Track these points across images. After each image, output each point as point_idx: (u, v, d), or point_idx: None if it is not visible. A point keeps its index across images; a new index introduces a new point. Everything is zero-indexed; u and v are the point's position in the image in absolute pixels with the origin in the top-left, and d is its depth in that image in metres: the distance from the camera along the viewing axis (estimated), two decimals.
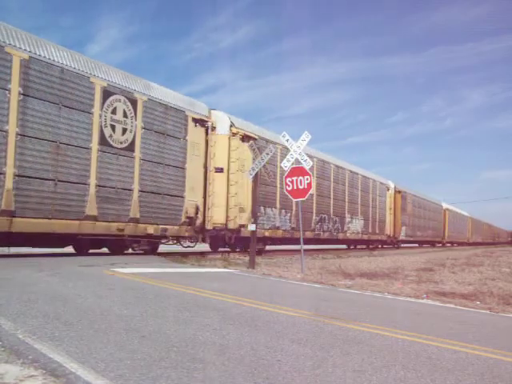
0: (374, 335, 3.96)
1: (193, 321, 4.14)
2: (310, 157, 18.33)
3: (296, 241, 19.56)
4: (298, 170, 10.19)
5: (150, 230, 12.41)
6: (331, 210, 22.67)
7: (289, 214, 18.72)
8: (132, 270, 8.40)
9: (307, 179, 10.01)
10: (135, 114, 12.03)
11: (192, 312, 4.55)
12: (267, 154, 10.71)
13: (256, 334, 3.79)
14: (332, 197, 22.63)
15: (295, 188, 10.16)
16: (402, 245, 34.87)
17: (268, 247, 18.61)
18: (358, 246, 28.74)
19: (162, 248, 14.23)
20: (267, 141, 17.11)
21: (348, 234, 24.76)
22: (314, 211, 20.86)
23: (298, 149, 10.28)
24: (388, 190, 31.02)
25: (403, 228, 33.28)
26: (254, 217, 11.01)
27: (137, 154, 12.10)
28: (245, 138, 15.68)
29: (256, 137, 16.31)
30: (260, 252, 16.12)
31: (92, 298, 5.08)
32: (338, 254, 20.25)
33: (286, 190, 10.41)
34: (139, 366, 2.74)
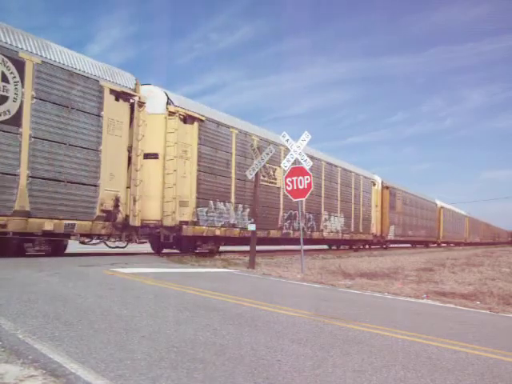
0: (374, 335, 3.96)
1: (193, 321, 4.14)
2: (276, 144, 16.28)
3: (257, 241, 17.65)
4: (297, 170, 10.19)
5: (48, 225, 9.92)
6: (304, 205, 19.52)
7: (247, 210, 15.83)
8: (132, 270, 8.41)
9: (307, 179, 10.02)
10: (22, 79, 9.49)
11: (192, 312, 4.56)
12: (267, 153, 10.72)
13: (256, 334, 3.79)
14: None
15: (295, 188, 10.16)
16: (392, 245, 32.08)
17: (223, 248, 16.11)
18: (342, 247, 25.82)
19: (74, 248, 12.14)
20: (219, 124, 14.72)
21: (325, 234, 21.60)
22: (282, 207, 18.13)
23: (298, 149, 10.29)
24: (374, 185, 27.97)
25: (392, 227, 30.40)
26: (254, 217, 11.02)
27: (25, 129, 9.51)
28: (188, 119, 13.28)
29: (203, 118, 13.82)
30: (213, 253, 14.28)
31: (92, 298, 5.08)
32: (338, 254, 20.23)
33: (286, 189, 10.42)
34: (139, 366, 2.74)
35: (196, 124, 13.64)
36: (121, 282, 6.80)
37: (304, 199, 10.67)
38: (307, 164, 10.22)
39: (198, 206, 13.62)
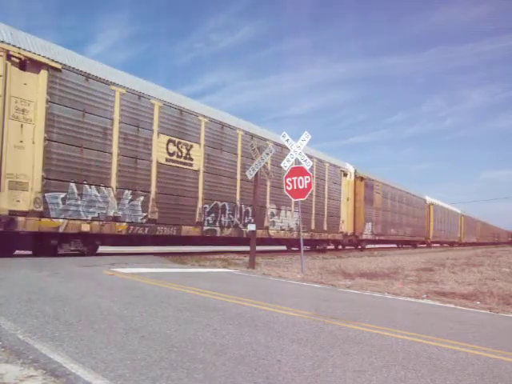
0: (374, 335, 3.96)
1: (193, 321, 4.14)
2: (195, 115, 13.68)
3: (162, 240, 13.18)
4: (297, 170, 10.19)
5: None
6: (237, 195, 15.56)
7: (141, 199, 11.90)
8: (132, 270, 8.41)
9: (307, 179, 10.02)
10: None
11: (192, 312, 4.56)
12: (267, 153, 10.72)
13: (256, 334, 3.79)
14: (239, 177, 15.52)
15: (295, 188, 10.16)
16: (369, 246, 27.95)
17: (106, 249, 12.51)
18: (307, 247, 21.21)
19: None
20: (88, 77, 10.62)
21: (272, 232, 17.37)
22: (201, 196, 13.92)
23: (298, 149, 10.28)
24: (345, 175, 23.70)
25: (368, 224, 26.09)
26: (254, 216, 11.01)
27: None
28: (28, 65, 9.42)
29: (57, 65, 9.94)
30: (85, 254, 10.85)
31: (92, 298, 5.08)
32: (338, 254, 20.21)
33: (286, 190, 10.41)
34: (139, 366, 2.74)
35: (44, 73, 9.70)
36: (121, 282, 6.80)
37: (304, 199, 10.64)
38: (307, 164, 10.23)
39: (47, 190, 9.76)
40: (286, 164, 10.44)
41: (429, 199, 41.08)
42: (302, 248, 10.26)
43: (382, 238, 28.94)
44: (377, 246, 30.51)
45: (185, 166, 13.38)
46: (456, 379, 2.84)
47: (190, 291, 6.02)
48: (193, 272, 9.20)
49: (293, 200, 10.67)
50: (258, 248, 18.14)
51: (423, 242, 39.97)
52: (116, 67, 12.04)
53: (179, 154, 13.19)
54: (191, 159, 13.61)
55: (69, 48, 10.74)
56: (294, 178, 10.17)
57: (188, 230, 13.46)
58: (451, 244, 49.47)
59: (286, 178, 10.36)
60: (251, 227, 10.70)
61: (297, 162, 10.34)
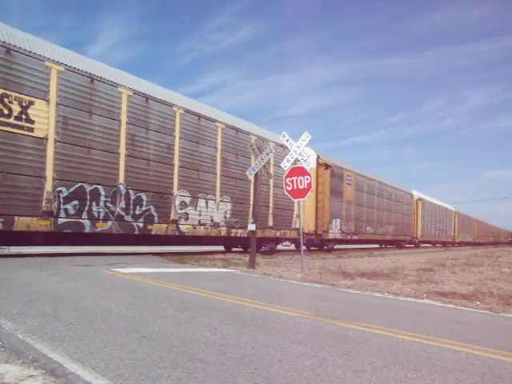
0: (374, 335, 3.96)
1: (193, 321, 4.14)
2: (39, 59, 9.51)
3: None
4: (297, 170, 10.19)
5: None
6: (121, 176, 11.38)
7: None
8: (132, 269, 8.41)
9: (307, 179, 10.02)
10: None
11: (192, 312, 4.56)
12: (267, 153, 10.72)
13: (256, 333, 3.79)
14: (123, 152, 11.43)
15: (295, 188, 10.16)
16: (338, 246, 23.56)
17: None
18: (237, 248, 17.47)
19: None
20: None
21: (184, 227, 13.30)
22: (51, 174, 9.83)
23: (298, 149, 10.28)
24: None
25: (336, 221, 22.07)
26: (255, 217, 11.01)
27: None
28: None
29: None
30: None
31: (92, 298, 5.08)
32: (339, 254, 20.21)
33: (286, 189, 10.41)
34: (139, 366, 2.74)
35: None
36: (121, 281, 6.80)
37: (304, 199, 10.63)
38: (307, 164, 10.22)
39: None
40: (286, 164, 10.43)
41: (416, 194, 36.78)
42: (302, 248, 10.26)
43: (354, 237, 24.61)
44: (352, 246, 26.76)
45: (17, 131, 9.26)
46: (456, 379, 2.84)
47: (190, 291, 6.02)
48: (193, 272, 9.20)
49: (290, 195, 10.60)
50: (163, 249, 14.00)
51: (410, 242, 35.59)
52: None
53: (5, 112, 9.08)
54: (30, 121, 9.50)
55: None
56: (294, 178, 10.17)
57: (28, 222, 9.38)
58: (444, 244, 45.72)
59: (286, 177, 10.36)
60: (251, 227, 10.70)
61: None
